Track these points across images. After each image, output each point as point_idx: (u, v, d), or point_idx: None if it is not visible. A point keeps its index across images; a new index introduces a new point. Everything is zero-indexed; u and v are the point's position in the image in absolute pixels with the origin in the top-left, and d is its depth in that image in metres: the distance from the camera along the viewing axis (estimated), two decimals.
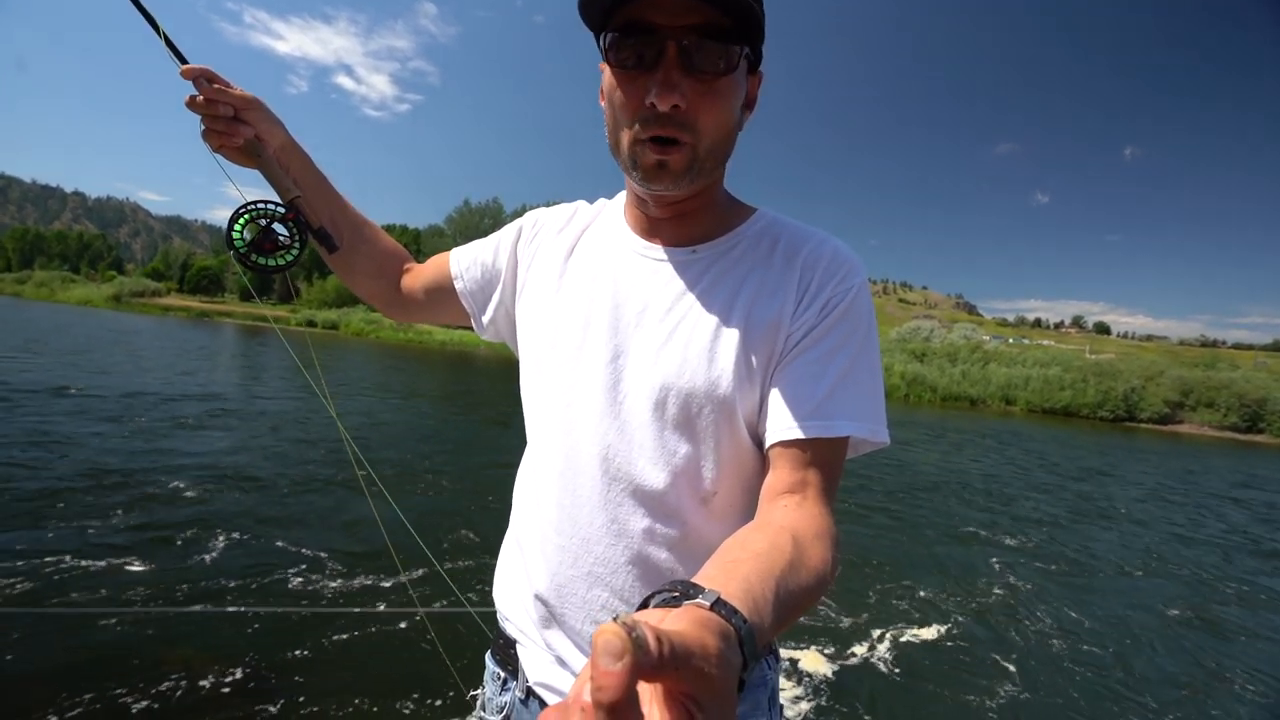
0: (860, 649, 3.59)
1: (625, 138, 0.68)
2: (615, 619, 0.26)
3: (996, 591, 4.78)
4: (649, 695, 0.29)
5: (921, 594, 4.52)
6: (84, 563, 3.48)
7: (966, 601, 4.49)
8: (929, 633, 3.89)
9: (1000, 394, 28.52)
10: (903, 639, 3.76)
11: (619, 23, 0.64)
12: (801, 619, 3.28)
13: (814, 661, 3.38)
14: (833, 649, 3.54)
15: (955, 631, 3.95)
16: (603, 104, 0.72)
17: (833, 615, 3.98)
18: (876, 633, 3.81)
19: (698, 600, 0.39)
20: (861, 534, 5.90)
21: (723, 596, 0.40)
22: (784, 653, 3.39)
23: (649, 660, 0.26)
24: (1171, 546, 6.81)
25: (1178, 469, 13.98)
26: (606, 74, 0.68)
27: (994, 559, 5.60)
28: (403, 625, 3.21)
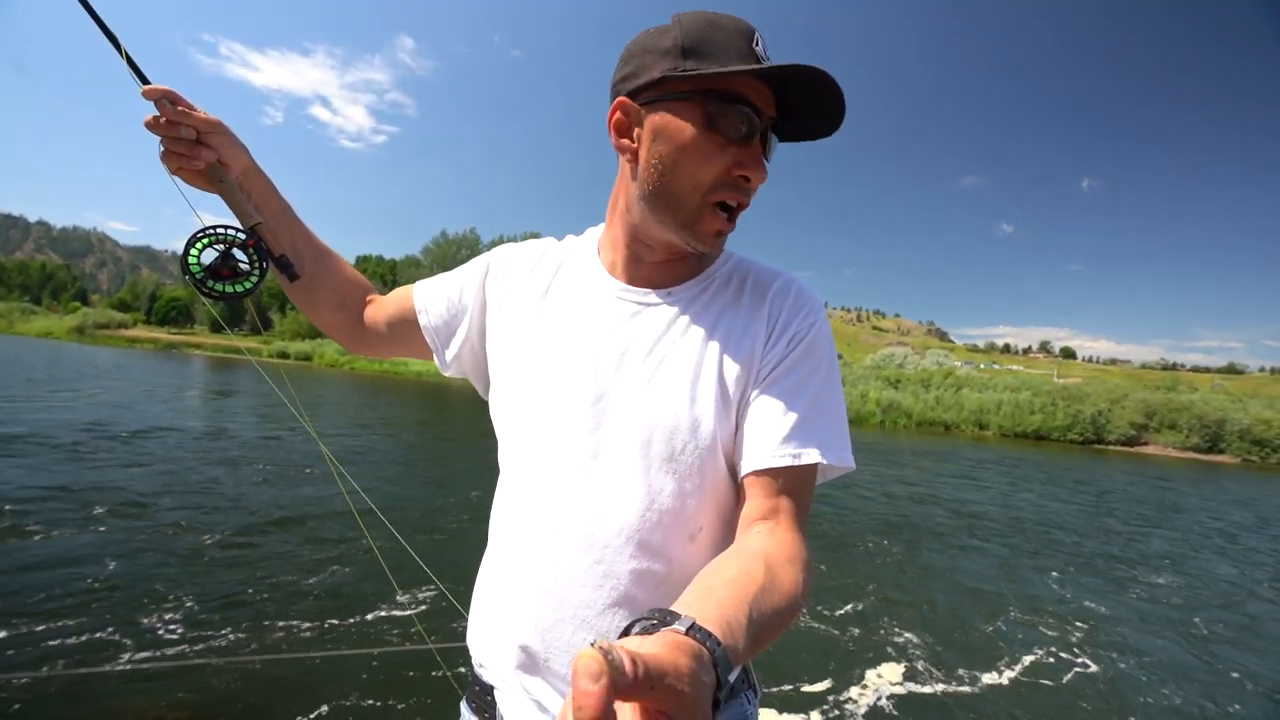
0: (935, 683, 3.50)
1: (694, 196, 0.70)
2: (593, 644, 0.28)
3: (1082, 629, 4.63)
4: (628, 715, 0.31)
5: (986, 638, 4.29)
6: (58, 621, 3.22)
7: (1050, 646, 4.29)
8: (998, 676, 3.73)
9: (973, 419, 29.03)
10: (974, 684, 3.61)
11: (724, 87, 0.68)
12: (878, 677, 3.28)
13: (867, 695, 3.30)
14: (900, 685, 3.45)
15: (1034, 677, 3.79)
16: (622, 144, 0.74)
17: (874, 656, 3.84)
18: (946, 672, 3.70)
19: (674, 626, 0.42)
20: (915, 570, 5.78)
21: (698, 622, 0.42)
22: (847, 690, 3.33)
23: (625, 681, 0.28)
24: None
25: (1213, 492, 13.81)
26: (685, 128, 0.69)
27: (1068, 594, 5.42)
28: (414, 661, 3.10)
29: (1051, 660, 4.02)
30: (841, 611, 4.51)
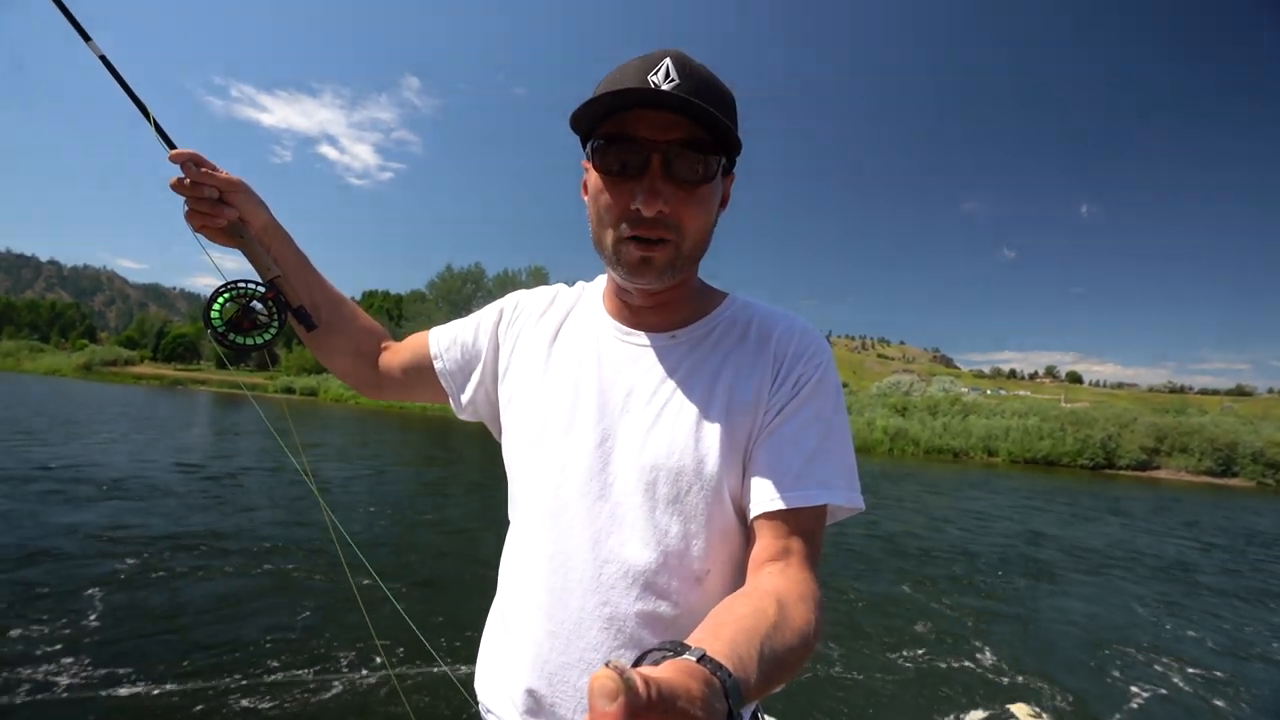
0: None
1: (610, 237, 0.72)
2: (607, 664, 0.29)
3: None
4: None
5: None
6: (40, 647, 3.26)
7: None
8: None
9: (982, 445, 28.71)
10: None
11: (606, 131, 0.69)
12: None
13: None
14: None
15: None
16: (585, 199, 0.76)
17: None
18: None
19: (684, 656, 0.42)
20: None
21: (709, 653, 0.43)
22: None
23: (639, 702, 0.28)
24: None
25: None
26: (592, 176, 0.73)
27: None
28: (383, 702, 3.04)
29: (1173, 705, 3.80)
30: (923, 651, 4.38)
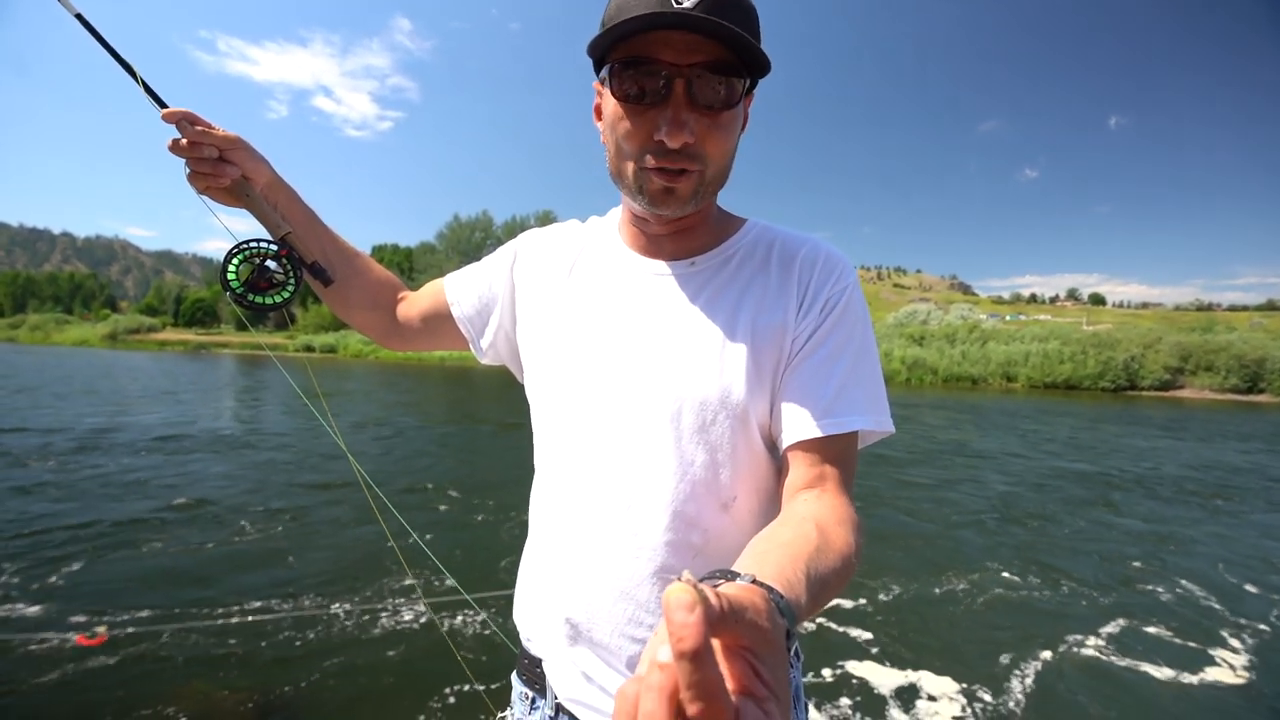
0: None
1: (630, 168, 0.70)
2: (679, 578, 0.29)
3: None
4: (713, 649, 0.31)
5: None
6: (87, 586, 3.53)
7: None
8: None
9: (1000, 371, 28.59)
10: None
11: (624, 55, 0.65)
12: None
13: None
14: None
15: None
16: (599, 125, 0.73)
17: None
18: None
19: (737, 582, 0.42)
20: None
21: (758, 578, 0.43)
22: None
23: (713, 613, 0.29)
24: None
25: None
26: (610, 103, 0.69)
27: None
28: (427, 646, 3.19)
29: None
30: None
